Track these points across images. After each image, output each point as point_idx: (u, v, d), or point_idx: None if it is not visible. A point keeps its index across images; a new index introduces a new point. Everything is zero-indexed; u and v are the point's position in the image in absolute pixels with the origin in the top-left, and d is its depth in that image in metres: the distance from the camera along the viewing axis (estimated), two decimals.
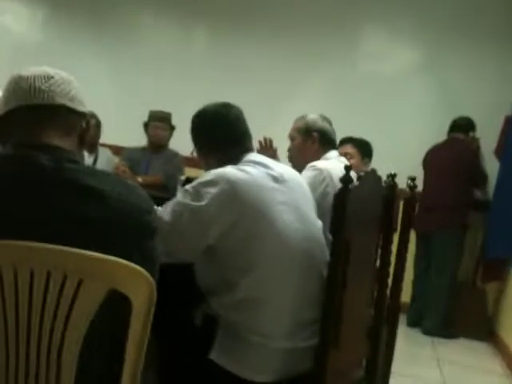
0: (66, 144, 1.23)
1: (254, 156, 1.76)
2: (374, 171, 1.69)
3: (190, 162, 4.03)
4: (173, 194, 3.40)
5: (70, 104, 1.24)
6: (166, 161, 4.04)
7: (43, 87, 1.21)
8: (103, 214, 1.14)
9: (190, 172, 3.83)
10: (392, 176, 1.86)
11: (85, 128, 1.30)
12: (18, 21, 5.24)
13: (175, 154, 4.11)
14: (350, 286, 1.51)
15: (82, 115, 1.28)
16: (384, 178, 1.95)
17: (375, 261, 2.03)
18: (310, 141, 2.52)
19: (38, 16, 5.23)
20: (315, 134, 2.50)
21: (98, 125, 4.03)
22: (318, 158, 2.49)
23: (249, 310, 1.59)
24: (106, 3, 5.02)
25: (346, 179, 1.41)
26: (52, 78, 1.24)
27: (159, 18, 5.08)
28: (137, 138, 4.21)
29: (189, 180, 3.04)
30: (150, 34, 5.04)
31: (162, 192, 3.67)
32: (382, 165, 2.48)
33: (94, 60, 4.98)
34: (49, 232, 1.10)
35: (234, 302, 1.60)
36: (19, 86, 1.22)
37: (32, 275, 1.07)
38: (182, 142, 4.01)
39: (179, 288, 1.65)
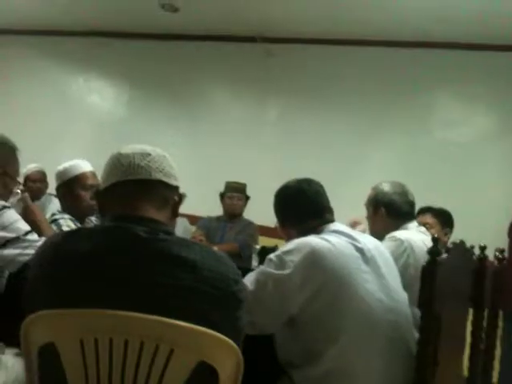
0: (160, 216, 1.29)
1: (337, 226, 1.76)
2: (462, 243, 1.63)
3: (264, 230, 4.08)
4: (247, 263, 3.45)
5: (165, 179, 1.32)
6: (241, 230, 4.10)
7: (142, 164, 1.30)
8: (194, 283, 1.17)
9: (263, 241, 3.86)
10: (482, 248, 1.78)
11: (177, 201, 1.36)
12: (104, 100, 5.67)
13: (249, 223, 4.17)
14: (442, 363, 1.44)
15: (174, 189, 1.35)
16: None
17: (464, 338, 1.92)
18: (379, 215, 2.47)
19: (122, 95, 5.64)
20: (382, 209, 2.45)
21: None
22: (390, 229, 2.43)
23: (333, 383, 1.54)
24: (182, 81, 5.35)
25: (433, 251, 1.38)
26: (149, 155, 1.32)
27: (233, 93, 5.34)
28: (213, 208, 4.32)
29: (264, 249, 3.06)
30: (225, 108, 5.29)
31: (237, 261, 3.70)
32: (462, 235, 2.39)
33: (172, 134, 5.26)
34: (140, 300, 1.13)
35: (318, 375, 1.55)
36: (120, 162, 1.31)
37: (126, 344, 1.10)
38: (257, 212, 4.10)
39: (261, 361, 1.63)
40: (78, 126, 5.56)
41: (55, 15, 5.22)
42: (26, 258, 1.59)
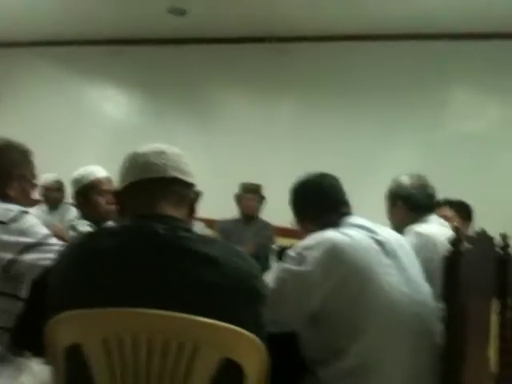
0: (178, 213, 1.29)
1: (356, 219, 1.74)
2: (484, 232, 1.61)
3: (280, 231, 4.06)
4: (265, 265, 3.44)
5: (181, 176, 1.32)
6: (258, 231, 4.10)
7: (157, 162, 1.30)
8: (216, 279, 1.16)
9: (280, 242, 3.85)
10: (504, 236, 1.75)
11: (194, 198, 1.36)
12: (118, 107, 5.70)
13: (266, 224, 4.16)
14: (468, 355, 1.41)
15: (191, 186, 1.35)
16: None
17: (489, 328, 1.90)
18: (397, 208, 2.46)
19: (135, 101, 5.66)
20: (400, 202, 2.43)
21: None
22: (409, 222, 2.40)
23: (358, 379, 1.52)
24: (194, 84, 5.37)
25: (456, 241, 1.35)
26: (164, 153, 1.32)
27: (246, 94, 5.33)
28: (229, 210, 4.31)
29: (283, 249, 3.05)
30: (238, 109, 5.29)
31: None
32: (483, 226, 2.36)
33: (186, 139, 5.23)
34: (164, 297, 1.13)
35: (343, 371, 1.53)
36: (136, 161, 1.31)
37: (150, 342, 1.09)
38: (273, 212, 4.08)
39: (283, 358, 1.61)
40: (93, 134, 5.60)
41: (65, 26, 5.27)
42: (47, 262, 1.57)
